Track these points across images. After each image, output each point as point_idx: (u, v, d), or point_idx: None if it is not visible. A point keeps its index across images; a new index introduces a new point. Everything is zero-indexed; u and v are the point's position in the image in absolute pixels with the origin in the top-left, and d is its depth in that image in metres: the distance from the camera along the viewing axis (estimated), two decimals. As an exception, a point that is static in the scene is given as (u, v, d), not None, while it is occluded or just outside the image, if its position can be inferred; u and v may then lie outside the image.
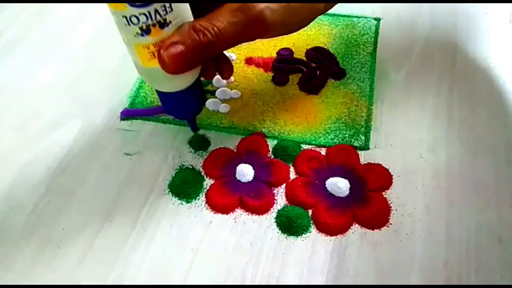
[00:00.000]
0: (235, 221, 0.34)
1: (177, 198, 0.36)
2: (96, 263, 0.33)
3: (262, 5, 0.29)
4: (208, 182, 0.37)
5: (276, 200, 0.35)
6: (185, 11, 0.29)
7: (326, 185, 0.36)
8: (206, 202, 0.35)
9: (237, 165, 0.37)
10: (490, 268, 0.31)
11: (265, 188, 0.36)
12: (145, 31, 0.28)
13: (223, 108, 0.41)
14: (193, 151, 0.38)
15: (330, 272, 0.32)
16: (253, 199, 0.35)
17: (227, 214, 0.35)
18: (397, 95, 0.42)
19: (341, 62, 0.44)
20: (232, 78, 0.44)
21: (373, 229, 0.33)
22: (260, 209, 0.35)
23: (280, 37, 0.47)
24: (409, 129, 0.39)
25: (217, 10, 0.29)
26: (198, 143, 0.39)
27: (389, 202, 0.35)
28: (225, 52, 0.45)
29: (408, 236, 0.33)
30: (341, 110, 0.41)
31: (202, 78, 0.35)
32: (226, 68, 0.36)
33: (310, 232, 0.34)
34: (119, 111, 0.42)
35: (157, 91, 0.33)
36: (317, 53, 0.45)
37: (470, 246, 0.32)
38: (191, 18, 0.29)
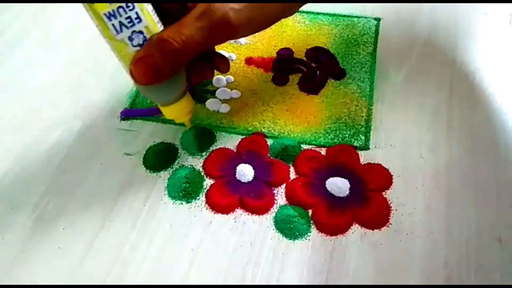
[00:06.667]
0: (235, 221, 0.34)
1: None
2: (96, 263, 0.33)
3: (226, 7, 0.29)
4: (208, 182, 0.37)
5: (276, 200, 0.35)
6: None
7: (326, 185, 0.36)
8: (206, 202, 0.35)
9: (237, 165, 0.37)
10: (490, 268, 0.31)
11: (265, 188, 0.36)
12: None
13: (223, 108, 0.41)
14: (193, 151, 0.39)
15: (330, 272, 0.32)
16: (253, 199, 0.35)
17: (227, 214, 0.35)
18: (397, 95, 0.42)
19: (341, 62, 0.44)
20: (232, 78, 0.44)
21: (373, 229, 0.33)
22: (260, 209, 0.35)
23: (280, 37, 0.48)
24: (409, 129, 0.39)
25: (183, 17, 0.29)
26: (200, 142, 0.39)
27: (389, 202, 0.35)
28: (224, 52, 0.45)
29: (408, 236, 0.33)
30: (341, 110, 0.41)
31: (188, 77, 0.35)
32: (221, 63, 0.35)
33: (310, 232, 0.34)
34: (119, 111, 0.42)
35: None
36: (317, 53, 0.45)
37: (470, 246, 0.32)
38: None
